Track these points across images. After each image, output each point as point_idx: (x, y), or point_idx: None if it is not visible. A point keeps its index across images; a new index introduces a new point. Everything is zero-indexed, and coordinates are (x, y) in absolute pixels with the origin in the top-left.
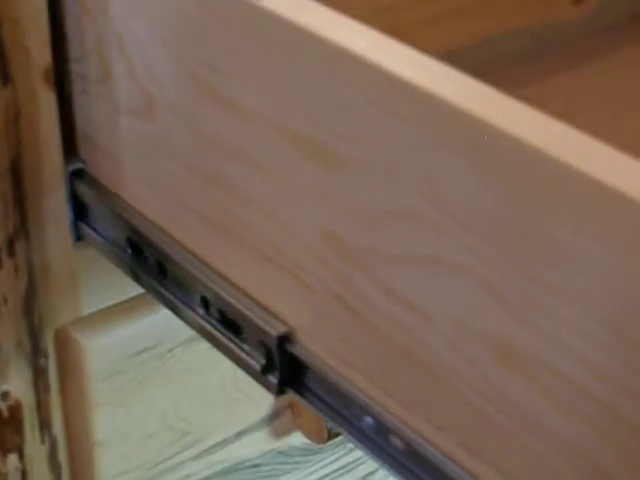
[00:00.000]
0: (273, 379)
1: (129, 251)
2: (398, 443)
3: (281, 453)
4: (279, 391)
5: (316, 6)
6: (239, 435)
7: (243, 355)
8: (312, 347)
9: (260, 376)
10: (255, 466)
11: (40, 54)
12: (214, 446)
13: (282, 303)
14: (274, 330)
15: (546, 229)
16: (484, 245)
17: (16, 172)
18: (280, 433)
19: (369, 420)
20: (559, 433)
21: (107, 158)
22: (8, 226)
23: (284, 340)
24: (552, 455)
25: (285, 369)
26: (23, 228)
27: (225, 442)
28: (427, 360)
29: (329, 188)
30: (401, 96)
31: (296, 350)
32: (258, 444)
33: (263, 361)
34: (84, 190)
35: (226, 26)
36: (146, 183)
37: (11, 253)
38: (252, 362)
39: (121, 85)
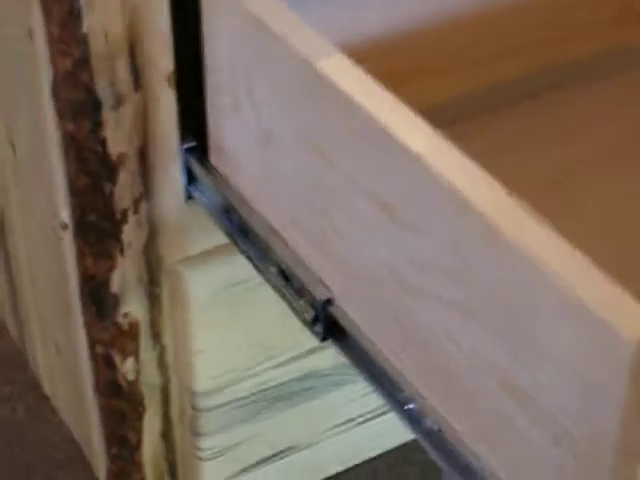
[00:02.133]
0: (318, 329)
1: (224, 215)
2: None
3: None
4: (322, 339)
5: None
6: (311, 351)
7: (299, 308)
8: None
9: (310, 325)
10: (326, 375)
11: (163, 65)
12: (289, 359)
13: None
14: (322, 295)
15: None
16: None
17: (142, 153)
18: None
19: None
20: None
21: (224, 154)
22: (134, 192)
23: (327, 303)
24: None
25: (327, 325)
26: (146, 193)
27: (299, 356)
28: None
29: (392, 235)
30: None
31: (336, 312)
32: (328, 358)
33: (313, 314)
34: (193, 163)
35: (336, 114)
36: (249, 176)
37: (135, 211)
38: (305, 315)
39: (247, 117)
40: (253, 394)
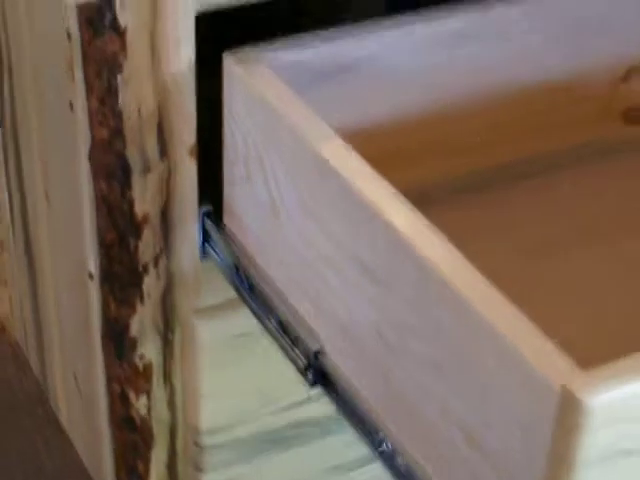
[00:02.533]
0: (309, 376)
1: (234, 272)
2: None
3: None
4: (312, 385)
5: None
6: (306, 400)
7: (294, 357)
8: (337, 363)
9: (303, 372)
10: (319, 423)
11: (187, 138)
12: (286, 406)
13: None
14: (314, 346)
15: None
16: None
17: (164, 214)
18: None
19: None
20: None
21: (235, 216)
22: (155, 248)
23: (318, 353)
24: None
25: (317, 372)
26: (165, 249)
27: (295, 404)
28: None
29: (375, 296)
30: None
31: (325, 361)
32: (321, 407)
33: (305, 362)
34: (209, 225)
35: (329, 190)
36: (256, 237)
37: (155, 265)
38: (299, 362)
39: (257, 187)
40: (251, 436)
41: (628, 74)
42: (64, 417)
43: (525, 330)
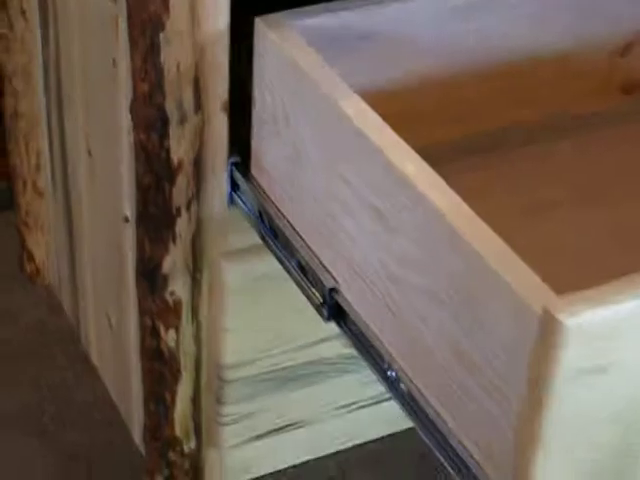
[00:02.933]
0: (325, 312)
1: (259, 219)
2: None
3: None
4: (327, 319)
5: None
6: (322, 340)
7: (311, 294)
8: (349, 299)
9: (318, 308)
10: (333, 363)
11: (220, 94)
12: (302, 345)
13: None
14: (329, 284)
15: None
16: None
17: (197, 163)
18: None
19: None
20: None
21: (263, 168)
22: (188, 194)
23: (332, 290)
24: None
25: (331, 308)
26: (197, 195)
27: (311, 344)
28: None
29: (384, 238)
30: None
31: (339, 298)
32: (336, 348)
33: (320, 300)
34: (237, 175)
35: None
36: (281, 187)
37: (187, 209)
38: (315, 299)
39: (284, 141)
40: (269, 372)
41: (627, 48)
42: (94, 354)
43: (512, 262)
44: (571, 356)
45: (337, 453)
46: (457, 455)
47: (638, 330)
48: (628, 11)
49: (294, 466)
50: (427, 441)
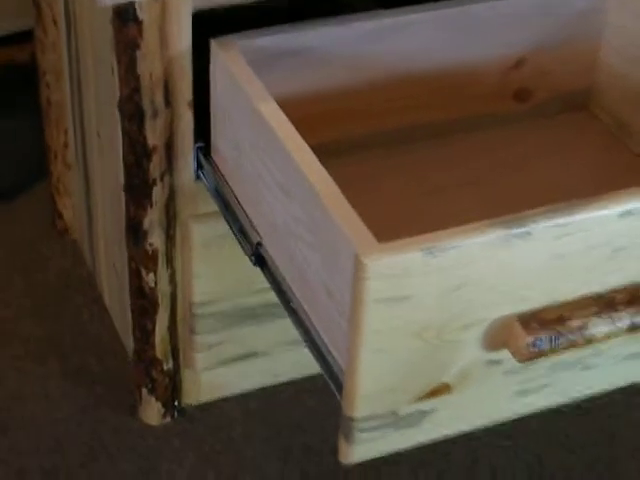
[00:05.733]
0: (253, 259)
1: (215, 191)
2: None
3: None
4: (254, 265)
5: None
6: None
7: (245, 247)
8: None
9: (250, 257)
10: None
11: (186, 94)
12: (259, 289)
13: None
14: (255, 239)
15: None
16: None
17: (168, 146)
18: None
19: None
20: None
21: (218, 153)
22: (161, 169)
23: (258, 244)
24: None
25: (258, 257)
26: (169, 171)
27: (266, 288)
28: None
29: (287, 205)
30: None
31: (262, 251)
32: None
33: (251, 251)
34: (201, 157)
35: (266, 140)
36: (230, 168)
37: (161, 180)
38: (247, 250)
39: (228, 132)
40: (232, 310)
41: (520, 62)
42: (106, 297)
43: (353, 220)
44: (373, 287)
45: (293, 381)
46: (320, 350)
47: (424, 273)
48: (519, 30)
49: (260, 389)
50: (307, 345)
